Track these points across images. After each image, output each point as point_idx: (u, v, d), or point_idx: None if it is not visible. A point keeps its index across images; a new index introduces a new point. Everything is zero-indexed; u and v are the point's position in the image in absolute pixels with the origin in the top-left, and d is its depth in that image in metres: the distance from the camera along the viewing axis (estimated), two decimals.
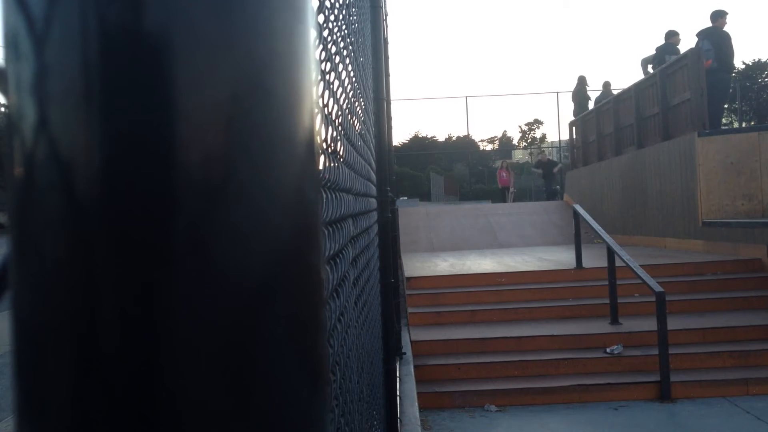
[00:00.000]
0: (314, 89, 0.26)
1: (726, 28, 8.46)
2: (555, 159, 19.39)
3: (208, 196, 0.22)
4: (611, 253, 5.49)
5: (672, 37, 9.63)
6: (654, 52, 9.88)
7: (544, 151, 15.76)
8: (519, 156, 49.65)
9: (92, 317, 0.21)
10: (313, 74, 0.26)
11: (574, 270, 6.60)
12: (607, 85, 12.92)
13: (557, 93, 23.54)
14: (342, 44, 1.40)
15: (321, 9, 1.03)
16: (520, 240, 10.61)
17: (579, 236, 6.72)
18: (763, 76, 30.11)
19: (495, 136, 58.38)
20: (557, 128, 34.28)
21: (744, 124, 21.13)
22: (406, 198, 22.58)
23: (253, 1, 0.23)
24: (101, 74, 0.21)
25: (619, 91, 11.06)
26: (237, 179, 0.22)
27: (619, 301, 5.55)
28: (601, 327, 5.48)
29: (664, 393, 4.65)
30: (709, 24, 8.54)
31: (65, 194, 0.21)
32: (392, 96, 8.00)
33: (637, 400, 4.68)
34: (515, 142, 58.62)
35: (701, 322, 5.44)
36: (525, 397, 4.74)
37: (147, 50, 0.21)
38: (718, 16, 8.49)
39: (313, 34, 0.26)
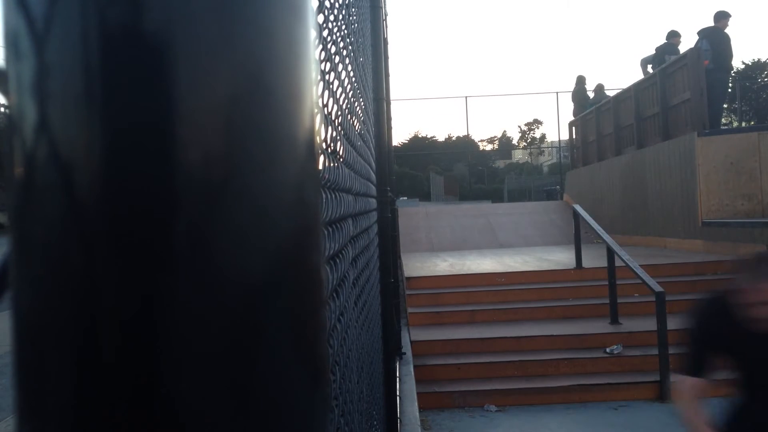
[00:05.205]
0: (314, 89, 0.26)
1: (727, 30, 8.46)
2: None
3: (208, 195, 0.22)
4: (611, 253, 5.49)
5: (673, 37, 9.62)
6: (654, 52, 9.88)
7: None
8: (519, 156, 49.67)
9: (92, 317, 0.21)
10: (313, 74, 0.26)
11: (574, 270, 6.60)
12: (600, 88, 12.81)
13: (557, 93, 23.40)
14: (342, 44, 1.40)
15: (321, 9, 1.03)
16: (520, 240, 10.61)
17: (579, 236, 6.72)
18: (763, 76, 30.12)
19: (495, 136, 58.51)
20: (557, 128, 34.23)
21: (744, 124, 21.13)
22: (406, 198, 22.57)
23: (253, 1, 0.23)
24: (102, 74, 0.21)
25: (615, 92, 11.06)
26: (237, 179, 0.22)
27: (618, 301, 5.55)
28: (601, 327, 5.48)
29: (664, 393, 4.65)
30: (712, 23, 8.54)
31: (65, 194, 0.21)
32: (392, 96, 8.00)
33: (637, 400, 4.68)
34: (515, 142, 58.70)
35: None
36: (525, 397, 4.74)
37: (147, 50, 0.21)
38: (721, 17, 8.48)
39: (313, 34, 0.26)
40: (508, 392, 4.76)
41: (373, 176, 2.77)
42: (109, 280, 0.21)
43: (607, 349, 5.13)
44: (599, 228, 6.02)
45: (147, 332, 0.21)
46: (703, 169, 7.42)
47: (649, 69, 9.83)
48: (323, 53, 1.04)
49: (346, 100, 1.48)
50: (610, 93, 11.83)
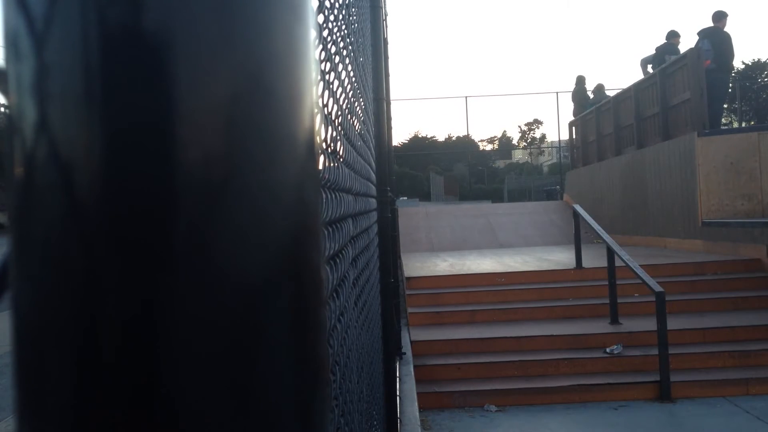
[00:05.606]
0: (314, 89, 0.26)
1: (726, 29, 8.47)
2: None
3: (208, 195, 0.22)
4: (611, 253, 5.49)
5: (673, 37, 9.62)
6: (654, 52, 9.88)
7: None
8: (519, 156, 49.68)
9: (92, 317, 0.21)
10: (313, 74, 0.26)
11: (574, 270, 6.60)
12: (600, 88, 12.76)
13: (557, 93, 23.36)
14: (342, 44, 1.40)
15: (321, 9, 1.03)
16: (520, 240, 10.61)
17: (579, 236, 6.72)
18: (763, 76, 30.12)
19: (495, 136, 58.63)
20: (557, 128, 34.25)
21: (744, 124, 21.12)
22: (406, 198, 22.58)
23: (253, 1, 0.23)
24: (102, 74, 0.21)
25: (615, 92, 11.05)
26: (237, 179, 0.22)
27: (618, 301, 5.55)
28: (601, 327, 5.48)
29: (664, 393, 4.65)
30: (711, 24, 8.55)
31: (65, 194, 0.21)
32: (392, 96, 8.01)
33: (637, 400, 4.68)
34: (515, 142, 58.74)
35: (701, 322, 5.44)
36: (525, 397, 4.73)
37: (147, 50, 0.21)
38: (721, 17, 8.50)
39: (313, 34, 0.26)
40: (508, 392, 4.76)
41: (373, 176, 2.77)
42: (109, 279, 0.21)
43: (607, 349, 5.13)
44: (599, 228, 6.02)
45: (147, 332, 0.21)
46: (703, 169, 7.42)
47: (649, 69, 9.83)
48: (323, 53, 1.04)
49: (346, 100, 1.48)
50: (610, 93, 11.82)
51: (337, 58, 1.27)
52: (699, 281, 6.27)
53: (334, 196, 1.11)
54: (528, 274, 6.59)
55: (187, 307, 0.21)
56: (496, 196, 27.66)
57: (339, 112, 1.27)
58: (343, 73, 1.41)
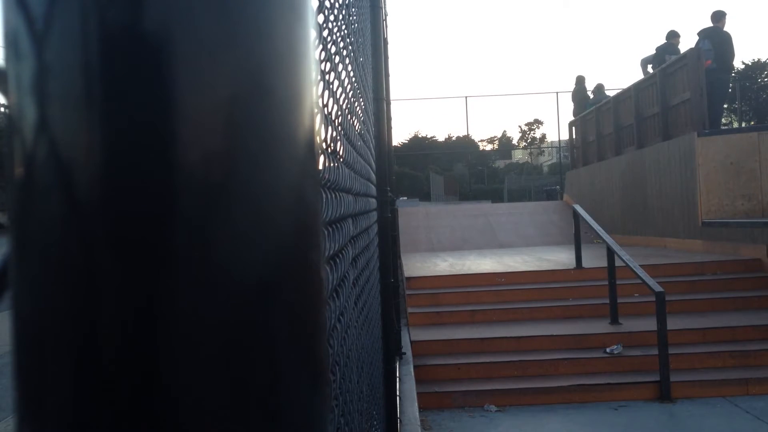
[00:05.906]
0: (314, 89, 0.26)
1: (726, 29, 8.47)
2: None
3: (208, 195, 0.22)
4: (611, 253, 5.49)
5: (673, 37, 9.62)
6: (654, 52, 9.88)
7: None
8: (519, 156, 49.68)
9: (92, 317, 0.21)
10: (313, 74, 0.26)
11: (574, 270, 6.60)
12: (600, 88, 12.74)
13: (557, 93, 23.35)
14: (342, 44, 1.40)
15: (321, 9, 1.03)
16: (520, 240, 10.61)
17: (579, 236, 6.72)
18: (763, 76, 30.10)
19: (495, 136, 58.65)
20: (557, 128, 34.27)
21: (744, 124, 21.12)
22: (406, 198, 22.57)
23: (253, 1, 0.23)
24: (101, 74, 0.21)
25: (615, 92, 11.06)
26: (237, 179, 0.22)
27: (619, 301, 5.55)
28: (601, 327, 5.48)
29: (664, 393, 4.65)
30: (710, 24, 8.55)
31: (65, 194, 0.21)
32: (392, 96, 8.01)
33: (637, 400, 4.68)
34: (515, 142, 58.75)
35: (701, 322, 5.44)
36: (525, 397, 4.73)
37: (147, 50, 0.21)
38: (721, 17, 8.50)
39: (313, 34, 0.26)
40: (508, 392, 4.76)
41: (373, 176, 2.77)
42: (109, 280, 0.21)
43: (607, 349, 5.13)
44: (599, 228, 6.02)
45: (147, 332, 0.21)
46: (703, 169, 7.42)
47: (649, 69, 9.83)
48: (323, 53, 1.04)
49: (346, 100, 1.48)
50: (610, 93, 11.81)
51: (337, 58, 1.27)
52: (699, 281, 6.27)
53: (334, 196, 1.11)
54: (528, 274, 6.59)
55: (187, 307, 0.21)
56: (496, 196, 27.64)
57: (339, 112, 1.27)
58: (343, 73, 1.41)
